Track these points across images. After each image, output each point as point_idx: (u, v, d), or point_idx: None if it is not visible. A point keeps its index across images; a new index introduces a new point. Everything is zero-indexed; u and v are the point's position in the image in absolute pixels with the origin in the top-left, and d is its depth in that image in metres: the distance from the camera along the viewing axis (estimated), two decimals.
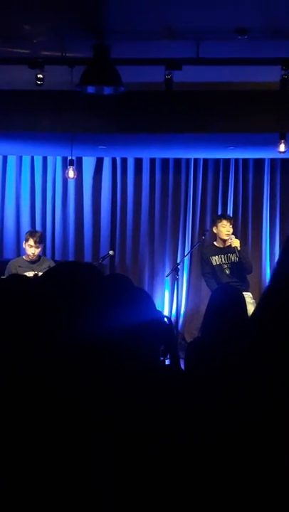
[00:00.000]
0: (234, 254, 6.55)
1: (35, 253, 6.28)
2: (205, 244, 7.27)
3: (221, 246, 6.61)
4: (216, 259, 6.61)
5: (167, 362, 2.69)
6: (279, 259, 1.33)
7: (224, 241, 6.58)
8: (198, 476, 1.42)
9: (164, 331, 2.67)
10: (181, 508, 1.36)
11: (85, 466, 1.33)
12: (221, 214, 7.16)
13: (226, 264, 6.59)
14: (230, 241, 6.54)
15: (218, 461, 1.41)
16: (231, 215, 7.73)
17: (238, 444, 1.38)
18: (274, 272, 1.46)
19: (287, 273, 1.22)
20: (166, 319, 2.63)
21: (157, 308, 2.79)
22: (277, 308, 1.38)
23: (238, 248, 6.52)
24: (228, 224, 6.56)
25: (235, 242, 6.52)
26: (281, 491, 1.20)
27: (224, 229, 6.55)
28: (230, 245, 6.54)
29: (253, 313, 1.54)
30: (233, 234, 6.62)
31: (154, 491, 1.34)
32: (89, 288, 1.54)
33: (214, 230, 6.70)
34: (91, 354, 1.45)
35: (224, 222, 6.56)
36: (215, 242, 6.75)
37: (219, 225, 6.58)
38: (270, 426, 1.38)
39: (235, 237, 6.66)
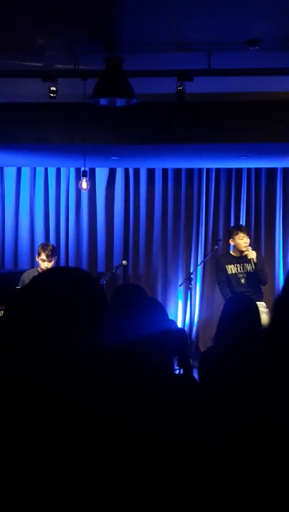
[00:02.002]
0: (250, 265, 6.55)
1: (48, 267, 6.29)
2: (221, 253, 7.29)
3: (238, 255, 6.62)
4: (231, 268, 6.61)
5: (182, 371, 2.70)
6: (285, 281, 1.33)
7: (241, 251, 6.58)
8: (210, 484, 1.42)
9: (178, 340, 2.69)
10: None
11: (93, 474, 1.34)
12: (236, 226, 7.12)
13: (241, 273, 6.59)
14: (246, 252, 6.54)
15: (230, 468, 1.42)
16: (244, 225, 7.73)
17: (251, 453, 1.39)
18: (285, 283, 1.47)
19: None
20: (179, 330, 2.64)
21: (170, 318, 2.80)
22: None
23: (255, 260, 6.52)
24: (245, 236, 6.57)
25: (252, 254, 6.52)
26: None
27: (242, 241, 6.54)
28: (246, 255, 6.54)
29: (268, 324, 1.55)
30: (249, 245, 6.63)
31: (163, 499, 1.35)
32: (99, 296, 1.54)
33: (231, 241, 6.69)
34: (102, 363, 1.46)
35: (241, 234, 6.55)
36: (231, 251, 6.75)
37: (236, 237, 6.57)
38: (284, 436, 1.39)
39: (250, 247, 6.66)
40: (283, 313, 1.47)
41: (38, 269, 6.38)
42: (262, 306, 6.46)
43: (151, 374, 1.87)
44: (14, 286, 6.24)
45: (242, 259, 6.59)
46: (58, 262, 6.68)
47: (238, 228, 6.73)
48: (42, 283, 1.52)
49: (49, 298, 1.56)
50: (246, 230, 6.68)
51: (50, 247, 6.35)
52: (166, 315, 2.42)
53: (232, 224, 8.25)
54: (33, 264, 8.19)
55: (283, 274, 8.30)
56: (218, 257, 7.10)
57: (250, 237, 6.73)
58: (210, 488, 1.43)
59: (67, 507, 1.33)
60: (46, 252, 6.24)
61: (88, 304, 1.50)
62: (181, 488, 1.39)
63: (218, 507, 1.42)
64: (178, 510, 1.37)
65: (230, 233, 6.78)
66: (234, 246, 6.67)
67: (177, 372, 2.62)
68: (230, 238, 6.71)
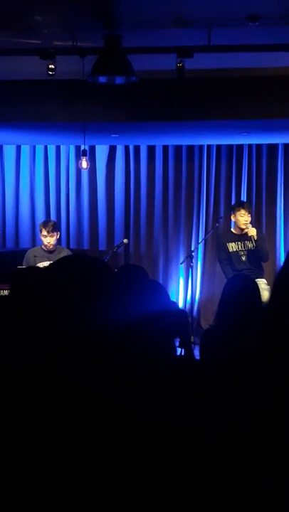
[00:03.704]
0: (251, 242, 6.55)
1: (51, 242, 6.31)
2: (222, 231, 7.29)
3: (238, 233, 6.61)
4: (232, 246, 6.61)
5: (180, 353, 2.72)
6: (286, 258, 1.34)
7: (241, 228, 6.57)
8: (212, 465, 1.44)
9: (179, 321, 2.70)
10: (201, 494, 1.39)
11: (95, 453, 1.36)
12: (239, 202, 7.10)
13: (242, 251, 6.59)
14: (247, 230, 6.53)
15: (230, 448, 1.44)
16: (246, 201, 7.71)
17: (251, 432, 1.41)
18: (285, 262, 1.47)
19: None
20: (180, 311, 2.65)
21: (172, 300, 2.82)
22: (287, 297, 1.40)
23: (255, 237, 6.52)
24: (247, 213, 6.55)
25: (252, 232, 6.51)
26: None
27: (242, 218, 6.53)
28: (247, 233, 6.54)
29: (267, 303, 1.56)
30: (250, 222, 6.62)
31: (166, 479, 1.37)
32: (102, 278, 1.56)
33: (232, 217, 6.69)
34: (103, 343, 1.48)
35: (242, 211, 6.54)
36: (232, 229, 6.76)
37: (237, 213, 6.56)
38: (283, 414, 1.40)
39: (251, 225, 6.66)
40: (283, 289, 1.47)
41: (42, 246, 6.40)
42: (263, 283, 6.47)
43: (151, 354, 1.89)
44: (16, 265, 6.25)
45: (243, 236, 6.58)
46: (59, 239, 6.67)
47: (241, 205, 6.71)
48: (49, 269, 1.55)
49: (50, 280, 1.57)
50: (249, 208, 6.66)
51: (51, 223, 6.39)
52: (168, 296, 2.43)
53: (233, 201, 8.23)
54: (35, 242, 8.20)
55: (284, 250, 8.31)
56: (219, 234, 7.10)
57: (251, 215, 6.71)
58: (212, 467, 1.45)
59: (68, 482, 1.35)
60: (47, 228, 6.28)
61: (87, 286, 1.51)
62: (183, 467, 1.41)
63: (220, 486, 1.44)
64: (180, 490, 1.39)
65: (232, 209, 6.77)
66: (235, 223, 6.67)
67: (178, 353, 2.64)
68: (231, 214, 6.70)
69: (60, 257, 1.65)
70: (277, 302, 1.51)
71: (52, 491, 1.35)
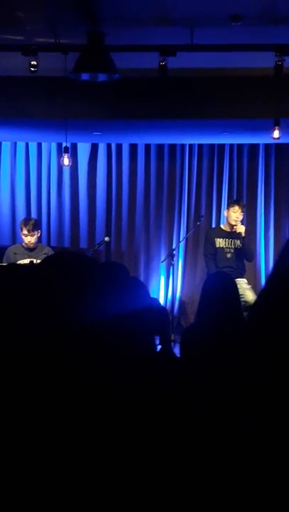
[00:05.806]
0: (239, 240, 6.64)
1: (32, 241, 6.29)
2: (210, 227, 7.46)
3: (228, 230, 6.71)
4: (220, 242, 6.70)
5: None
6: (278, 259, 1.36)
7: (231, 226, 6.66)
8: (199, 464, 1.45)
9: (159, 319, 2.72)
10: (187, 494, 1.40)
11: (85, 448, 1.36)
12: (235, 199, 7.28)
13: (228, 248, 6.68)
14: (236, 227, 6.63)
15: (216, 447, 1.44)
16: (227, 200, 7.78)
17: (235, 430, 1.41)
18: (272, 271, 1.49)
19: (283, 273, 1.25)
20: (161, 308, 2.66)
21: (152, 297, 2.83)
22: (275, 304, 1.41)
23: (243, 234, 6.61)
24: (239, 211, 6.66)
25: (240, 228, 6.63)
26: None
27: (234, 214, 6.65)
28: (235, 230, 6.63)
29: (251, 309, 1.57)
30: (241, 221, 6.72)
31: (155, 479, 1.37)
32: (86, 276, 1.57)
33: (225, 212, 6.84)
34: (85, 340, 1.48)
35: (236, 207, 6.66)
36: (222, 225, 6.87)
37: (231, 209, 6.70)
38: (266, 412, 1.41)
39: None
40: (274, 288, 1.48)
41: (23, 244, 6.38)
42: (243, 283, 6.54)
43: (130, 352, 1.90)
44: None
45: (232, 234, 6.67)
46: (40, 237, 6.65)
47: (236, 202, 6.86)
48: (31, 267, 1.56)
49: (32, 278, 1.58)
50: (243, 207, 6.78)
51: (31, 222, 6.36)
52: (148, 293, 2.43)
53: (214, 200, 8.29)
54: (15, 239, 8.16)
55: (265, 250, 8.37)
56: (208, 229, 7.22)
57: (244, 215, 6.84)
58: (192, 462, 1.45)
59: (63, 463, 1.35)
60: (28, 227, 6.26)
61: (66, 284, 1.52)
62: (170, 468, 1.42)
63: (204, 482, 1.44)
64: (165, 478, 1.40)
65: (227, 205, 6.93)
66: (226, 218, 6.77)
67: (158, 349, 2.66)
68: (225, 210, 6.86)
69: (46, 256, 1.66)
70: (267, 301, 1.51)
71: (55, 476, 1.36)
